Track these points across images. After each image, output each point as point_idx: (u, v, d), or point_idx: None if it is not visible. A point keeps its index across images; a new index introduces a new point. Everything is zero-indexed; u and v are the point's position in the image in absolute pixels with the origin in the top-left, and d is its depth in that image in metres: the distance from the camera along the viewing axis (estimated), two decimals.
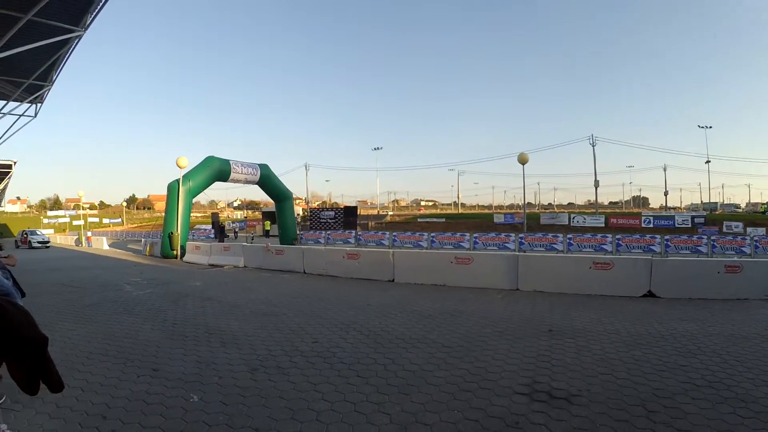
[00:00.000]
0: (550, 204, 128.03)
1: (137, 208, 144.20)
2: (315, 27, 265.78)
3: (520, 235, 26.08)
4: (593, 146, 66.33)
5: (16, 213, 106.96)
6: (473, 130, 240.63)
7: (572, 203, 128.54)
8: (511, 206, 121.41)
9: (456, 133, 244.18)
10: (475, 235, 27.69)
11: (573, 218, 50.62)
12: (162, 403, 4.48)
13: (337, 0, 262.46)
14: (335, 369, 5.35)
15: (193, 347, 6.53)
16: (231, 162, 28.76)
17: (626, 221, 47.75)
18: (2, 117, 20.15)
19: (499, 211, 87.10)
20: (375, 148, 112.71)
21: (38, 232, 47.70)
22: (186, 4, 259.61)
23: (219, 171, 27.90)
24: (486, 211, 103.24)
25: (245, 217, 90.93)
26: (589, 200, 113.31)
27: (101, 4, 12.50)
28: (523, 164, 27.89)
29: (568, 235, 25.19)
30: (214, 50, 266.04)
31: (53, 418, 4.21)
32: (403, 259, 13.39)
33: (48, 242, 44.18)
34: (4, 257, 4.81)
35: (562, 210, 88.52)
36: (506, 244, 25.42)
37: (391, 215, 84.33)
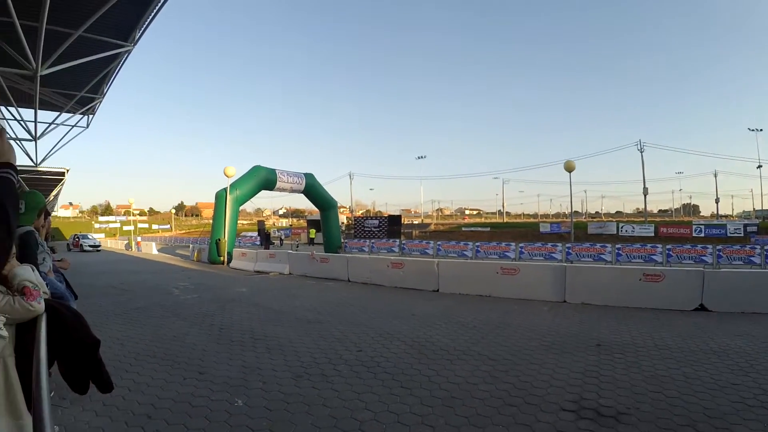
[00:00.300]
0: (597, 212, 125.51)
1: (185, 215, 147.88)
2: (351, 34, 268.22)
3: (567, 245, 25.62)
4: (641, 152, 64.19)
5: (68, 218, 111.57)
6: (518, 137, 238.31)
7: (620, 211, 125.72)
8: (557, 215, 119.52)
9: (500, 140, 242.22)
10: (520, 244, 27.32)
11: (621, 227, 49.47)
12: (207, 406, 4.56)
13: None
14: (379, 378, 5.34)
15: (238, 352, 6.63)
16: (277, 171, 29.22)
17: (676, 230, 46.39)
18: (56, 127, 20.87)
19: (545, 220, 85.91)
20: (419, 157, 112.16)
21: (89, 236, 49.67)
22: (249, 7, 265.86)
23: (265, 180, 28.41)
24: (532, 220, 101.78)
25: (290, 225, 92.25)
26: (637, 208, 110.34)
27: (149, 20, 12.89)
28: (570, 172, 27.45)
29: (617, 246, 24.57)
30: (270, 59, 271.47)
31: (99, 415, 4.33)
32: (448, 269, 13.29)
33: (99, 246, 45.86)
34: (58, 261, 4.92)
35: (610, 219, 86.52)
36: (553, 254, 24.98)
37: (435, 224, 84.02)
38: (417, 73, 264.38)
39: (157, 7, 12.39)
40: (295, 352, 6.62)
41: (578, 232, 44.13)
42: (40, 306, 2.37)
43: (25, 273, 2.47)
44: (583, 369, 5.54)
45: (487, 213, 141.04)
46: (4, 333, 2.03)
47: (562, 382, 5.08)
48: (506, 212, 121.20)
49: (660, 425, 3.96)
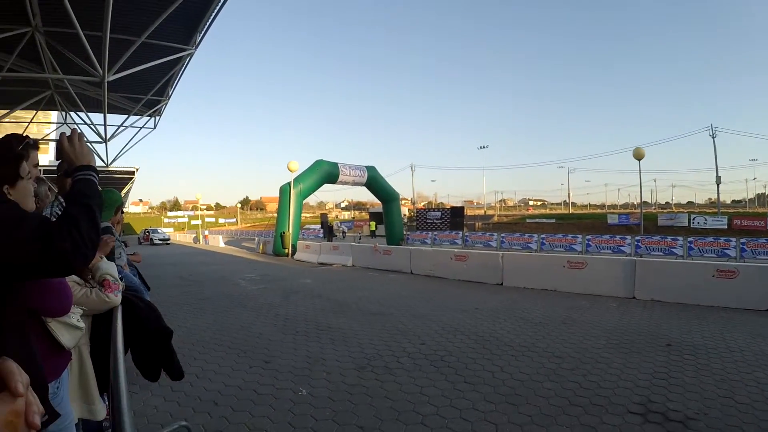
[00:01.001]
0: (667, 203, 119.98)
1: (250, 209, 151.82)
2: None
3: (637, 238, 24.73)
4: (713, 138, 60.35)
5: (139, 214, 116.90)
6: (584, 124, 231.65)
7: (691, 202, 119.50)
8: (625, 205, 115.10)
9: (565, 128, 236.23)
10: (587, 237, 26.53)
11: (693, 219, 47.15)
12: (272, 394, 4.73)
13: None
14: (442, 373, 5.36)
15: (303, 342, 6.81)
16: (339, 165, 29.52)
17: (750, 223, 43.52)
18: (124, 130, 21.78)
19: (612, 211, 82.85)
20: (481, 147, 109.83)
21: (159, 231, 52.08)
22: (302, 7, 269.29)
23: (327, 173, 28.77)
24: (598, 210, 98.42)
25: (353, 218, 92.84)
26: (709, 198, 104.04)
27: (209, 23, 13.25)
28: (639, 160, 26.49)
29: (689, 239, 23.54)
30: (329, 52, 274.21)
31: (168, 401, 4.57)
32: (512, 262, 13.13)
33: (168, 239, 48.19)
34: (130, 254, 5.15)
35: (681, 210, 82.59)
36: (621, 248, 24.19)
37: (498, 216, 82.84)
38: (481, 63, 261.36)
39: (215, 11, 12.72)
40: (359, 343, 6.73)
41: (648, 223, 42.40)
42: (116, 298, 2.51)
43: (108, 267, 2.63)
44: (651, 370, 5.36)
45: (552, 204, 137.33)
46: (81, 324, 2.16)
47: (630, 383, 4.95)
48: (572, 203, 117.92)
49: None
